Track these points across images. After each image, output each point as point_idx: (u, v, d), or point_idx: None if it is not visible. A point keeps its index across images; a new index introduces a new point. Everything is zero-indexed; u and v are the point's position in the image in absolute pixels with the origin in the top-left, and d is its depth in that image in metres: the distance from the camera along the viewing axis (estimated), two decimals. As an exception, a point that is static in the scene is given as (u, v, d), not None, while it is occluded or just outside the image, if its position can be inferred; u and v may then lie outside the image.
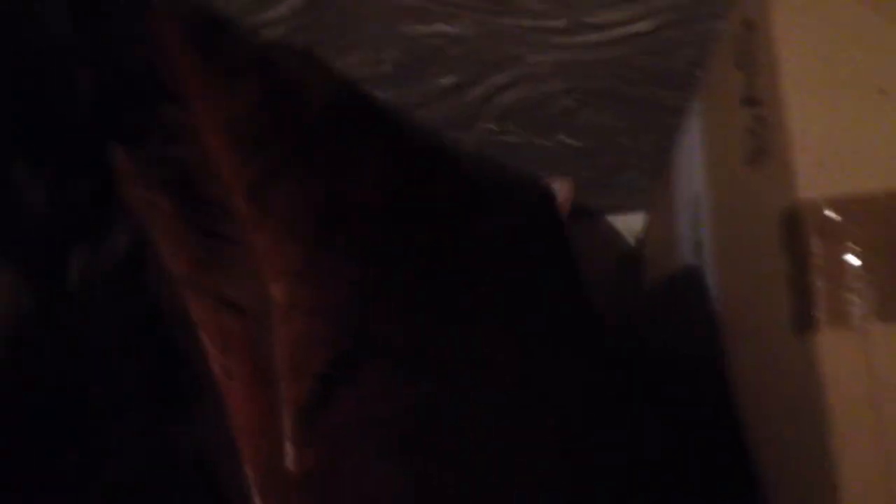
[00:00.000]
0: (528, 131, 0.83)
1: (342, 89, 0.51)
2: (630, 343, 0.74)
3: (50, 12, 0.45)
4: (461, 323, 0.48)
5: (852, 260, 0.45)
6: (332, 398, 0.42)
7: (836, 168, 0.46)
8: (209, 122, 0.43)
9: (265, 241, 0.43)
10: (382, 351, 0.44)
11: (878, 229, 0.45)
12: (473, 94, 0.77)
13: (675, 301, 0.67)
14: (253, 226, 0.43)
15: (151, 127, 0.44)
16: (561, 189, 0.79)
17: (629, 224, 0.93)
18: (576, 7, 0.67)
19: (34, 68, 0.45)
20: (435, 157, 0.53)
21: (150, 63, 0.44)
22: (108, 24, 0.46)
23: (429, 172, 0.51)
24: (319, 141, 0.46)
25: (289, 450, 0.41)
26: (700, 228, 0.61)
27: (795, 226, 0.46)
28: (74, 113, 0.45)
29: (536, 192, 0.65)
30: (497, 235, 0.53)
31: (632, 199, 0.91)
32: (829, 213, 0.45)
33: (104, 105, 0.45)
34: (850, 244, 0.45)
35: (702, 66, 0.67)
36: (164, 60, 0.44)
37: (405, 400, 0.43)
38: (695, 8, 0.67)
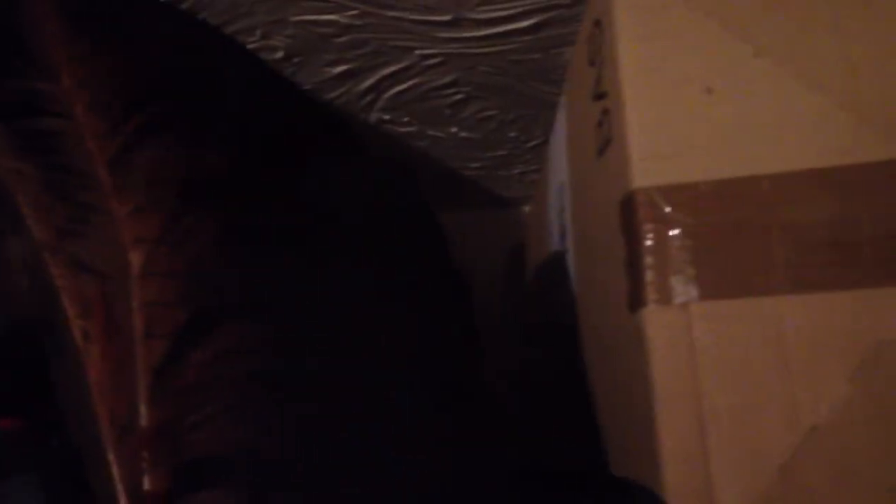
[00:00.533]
0: (420, 122, 0.86)
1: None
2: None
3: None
4: (318, 290, 0.51)
5: (677, 243, 0.49)
6: (183, 358, 0.44)
7: (666, 159, 0.50)
8: (76, 94, 0.46)
9: (124, 210, 0.46)
10: (234, 314, 0.46)
11: (700, 215, 0.49)
12: (365, 83, 0.80)
13: (545, 284, 0.71)
14: (113, 194, 0.46)
15: (21, 98, 0.47)
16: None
17: (519, 217, 0.97)
18: (461, 2, 0.70)
19: None
20: (295, 129, 0.56)
21: (19, 34, 0.47)
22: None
23: (287, 146, 0.54)
24: (179, 113, 0.49)
25: (142, 408, 0.44)
26: (564, 215, 0.65)
27: (630, 212, 0.50)
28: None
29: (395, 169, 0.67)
30: (353, 205, 0.56)
31: (521, 191, 0.95)
32: (658, 200, 0.49)
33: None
34: (676, 229, 0.49)
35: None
36: (34, 32, 0.47)
37: (252, 361, 0.46)
38: (571, 7, 0.71)
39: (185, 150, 0.48)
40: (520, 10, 0.72)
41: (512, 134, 0.87)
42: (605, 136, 0.54)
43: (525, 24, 0.73)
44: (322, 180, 0.55)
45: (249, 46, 0.74)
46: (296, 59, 0.76)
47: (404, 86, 0.81)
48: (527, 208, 0.93)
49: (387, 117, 0.85)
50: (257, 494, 0.44)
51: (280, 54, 0.75)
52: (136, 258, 0.45)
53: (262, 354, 0.46)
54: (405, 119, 0.86)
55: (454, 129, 0.87)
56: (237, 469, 0.44)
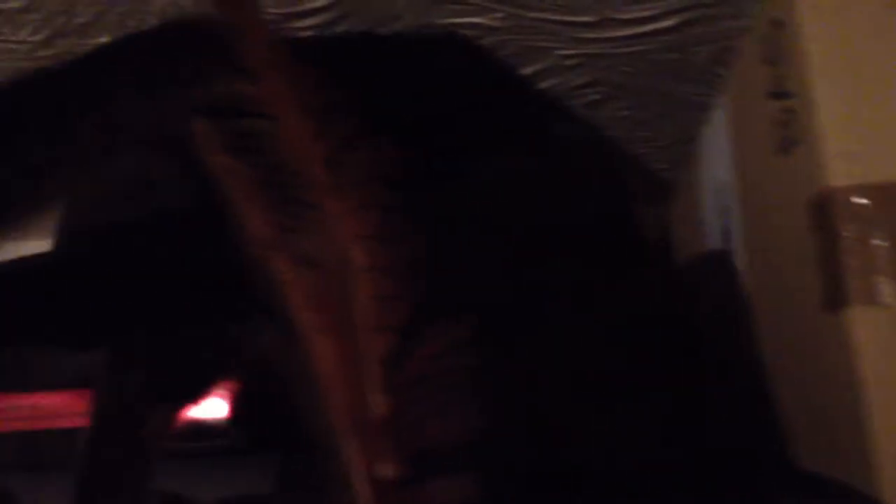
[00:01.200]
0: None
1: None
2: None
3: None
4: (527, 287, 0.52)
5: (878, 242, 0.49)
6: (409, 351, 0.46)
7: (860, 158, 0.50)
8: (280, 97, 0.48)
9: (342, 207, 0.48)
10: (453, 309, 0.48)
11: (901, 214, 0.49)
12: (505, 83, 0.81)
13: (705, 282, 0.71)
14: (330, 192, 0.48)
15: (225, 101, 0.49)
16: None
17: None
18: (606, 3, 0.70)
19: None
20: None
21: (220, 39, 0.49)
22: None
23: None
24: (388, 115, 0.50)
25: (372, 398, 0.46)
26: (727, 215, 0.65)
27: (825, 211, 0.50)
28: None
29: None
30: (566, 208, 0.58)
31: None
32: (856, 199, 0.49)
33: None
34: (876, 229, 0.49)
35: (723, 62, 0.71)
36: (234, 37, 0.48)
37: (473, 354, 0.47)
38: (717, 7, 0.71)
39: (395, 150, 0.49)
40: (663, 9, 0.72)
41: (645, 133, 0.87)
42: (789, 136, 0.54)
43: (668, 23, 0.73)
44: (536, 185, 0.56)
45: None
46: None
47: (542, 86, 0.81)
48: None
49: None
50: (488, 480, 0.45)
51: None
52: (358, 253, 0.47)
53: (482, 348, 0.47)
54: (538, 119, 0.86)
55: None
56: (468, 456, 0.46)
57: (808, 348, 0.54)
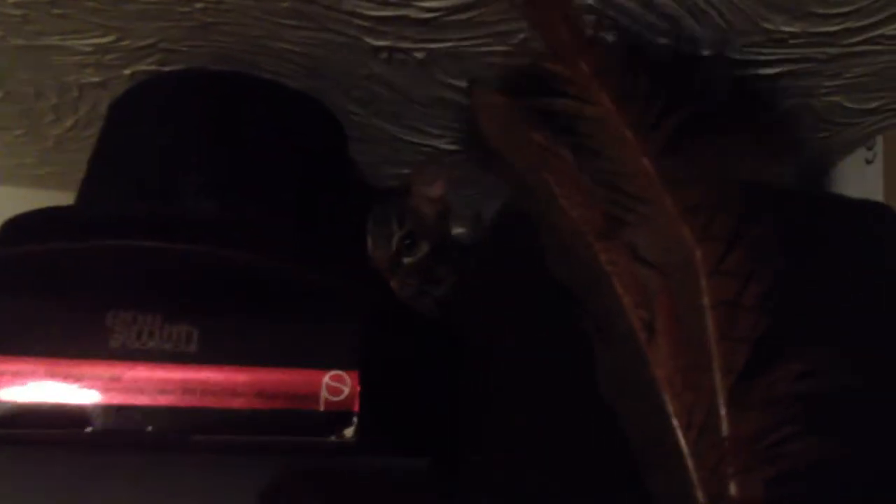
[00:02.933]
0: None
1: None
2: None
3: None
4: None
5: None
6: (771, 366, 0.43)
7: None
8: (599, 81, 0.46)
9: (682, 204, 0.45)
10: (815, 331, 0.45)
11: None
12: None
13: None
14: (666, 187, 0.45)
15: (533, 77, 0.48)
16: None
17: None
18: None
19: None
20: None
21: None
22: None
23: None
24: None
25: (723, 413, 0.43)
26: None
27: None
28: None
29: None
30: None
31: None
32: None
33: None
34: None
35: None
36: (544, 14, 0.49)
37: (836, 379, 0.44)
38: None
39: (740, 153, 0.49)
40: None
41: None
42: None
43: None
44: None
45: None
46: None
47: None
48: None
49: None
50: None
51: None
52: (701, 255, 0.44)
53: (844, 374, 0.44)
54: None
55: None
56: (826, 482, 0.43)
57: None
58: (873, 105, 0.83)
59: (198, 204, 0.68)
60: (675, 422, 0.43)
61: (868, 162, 0.76)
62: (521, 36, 0.74)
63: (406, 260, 0.86)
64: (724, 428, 0.43)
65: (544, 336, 0.49)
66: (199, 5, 0.71)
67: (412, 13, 0.71)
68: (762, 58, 0.76)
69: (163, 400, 0.56)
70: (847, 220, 0.56)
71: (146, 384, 0.56)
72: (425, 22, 0.72)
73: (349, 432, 0.56)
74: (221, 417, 0.56)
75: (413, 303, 0.83)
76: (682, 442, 0.43)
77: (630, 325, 0.44)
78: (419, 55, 0.77)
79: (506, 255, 0.54)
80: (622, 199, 0.46)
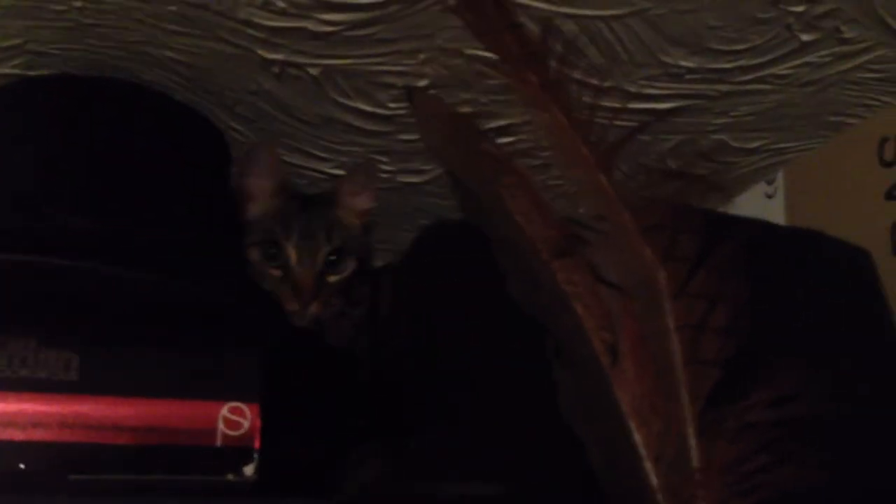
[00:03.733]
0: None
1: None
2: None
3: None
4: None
5: None
6: (744, 393, 0.42)
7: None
8: (550, 90, 0.44)
9: (641, 223, 0.43)
10: (780, 354, 0.43)
11: None
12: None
13: None
14: (623, 205, 0.43)
15: None
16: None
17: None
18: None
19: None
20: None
21: None
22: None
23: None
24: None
25: (693, 442, 0.41)
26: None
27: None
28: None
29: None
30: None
31: None
32: None
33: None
34: None
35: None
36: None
37: (812, 405, 0.42)
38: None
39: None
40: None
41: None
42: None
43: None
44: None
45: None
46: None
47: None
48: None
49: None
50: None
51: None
52: (665, 275, 0.43)
53: (820, 399, 0.43)
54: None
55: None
56: None
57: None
58: (754, 145, 0.85)
59: (72, 218, 0.62)
60: (642, 452, 0.41)
61: (769, 196, 0.78)
62: (422, 56, 0.72)
63: (331, 278, 0.78)
64: (695, 458, 0.41)
65: (490, 354, 0.47)
66: (77, 3, 0.65)
67: (311, 25, 0.68)
68: (657, 92, 0.77)
69: (37, 435, 0.50)
70: (791, 246, 0.56)
71: (18, 417, 0.49)
72: (324, 36, 0.69)
73: (249, 470, 0.52)
74: (105, 455, 0.50)
75: (332, 325, 0.76)
76: (651, 475, 0.41)
77: (592, 348, 0.42)
78: (313, 71, 0.74)
79: (439, 273, 0.51)
80: (579, 216, 0.45)
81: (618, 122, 0.48)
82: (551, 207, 0.45)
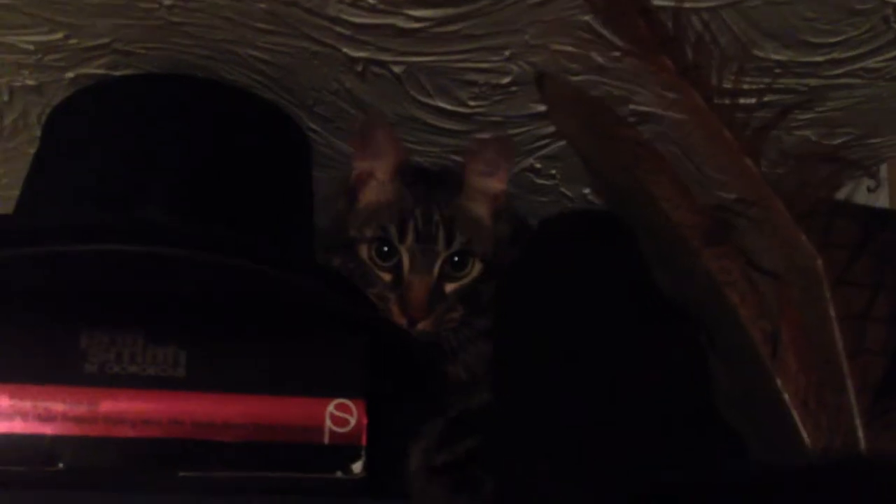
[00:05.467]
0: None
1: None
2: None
3: None
4: None
5: None
6: None
7: None
8: (685, 79, 0.43)
9: (791, 208, 0.42)
10: None
11: None
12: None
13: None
14: (777, 191, 0.42)
15: None
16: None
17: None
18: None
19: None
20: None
21: None
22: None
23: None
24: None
25: (862, 434, 0.40)
26: None
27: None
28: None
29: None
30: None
31: None
32: None
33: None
34: None
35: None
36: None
37: None
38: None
39: None
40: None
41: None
42: None
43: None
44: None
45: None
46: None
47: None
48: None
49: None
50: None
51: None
52: (822, 263, 0.42)
53: None
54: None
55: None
56: None
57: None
58: (839, 141, 0.84)
59: (163, 217, 0.62)
60: (809, 445, 0.40)
61: (870, 190, 0.76)
62: (508, 52, 0.71)
63: (450, 286, 0.68)
64: (864, 449, 0.40)
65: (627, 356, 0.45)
66: (167, 2, 0.65)
67: (399, 22, 0.67)
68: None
69: (146, 432, 0.49)
70: None
71: (127, 414, 0.49)
72: (411, 32, 0.68)
73: (357, 467, 0.51)
74: (213, 452, 0.50)
75: (450, 338, 0.67)
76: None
77: (750, 338, 0.41)
78: (397, 69, 0.73)
79: (565, 269, 0.49)
80: (727, 203, 0.43)
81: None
82: (696, 194, 0.43)
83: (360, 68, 0.73)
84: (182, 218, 0.61)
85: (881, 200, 0.76)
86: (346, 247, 0.72)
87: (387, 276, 0.69)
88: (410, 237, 0.69)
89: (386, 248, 0.70)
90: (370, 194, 0.74)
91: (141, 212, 0.60)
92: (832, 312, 0.42)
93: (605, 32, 0.48)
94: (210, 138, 0.67)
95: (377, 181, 0.74)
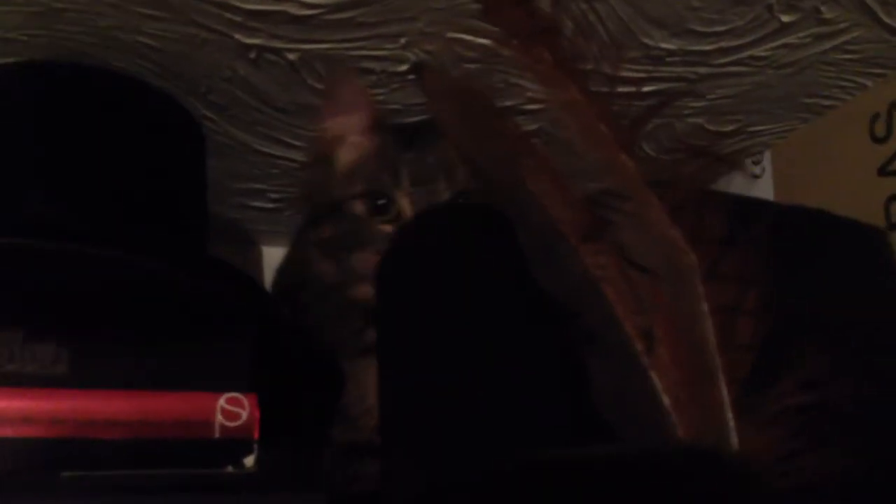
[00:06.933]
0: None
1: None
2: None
3: None
4: None
5: None
6: (773, 376, 0.40)
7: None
8: (561, 71, 0.42)
9: (660, 202, 0.41)
10: (815, 340, 0.41)
11: None
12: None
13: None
14: (647, 185, 0.42)
15: None
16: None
17: None
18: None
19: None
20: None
21: None
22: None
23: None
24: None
25: (731, 427, 0.39)
26: None
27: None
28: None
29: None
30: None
31: None
32: None
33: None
34: None
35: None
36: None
37: (832, 391, 0.41)
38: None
39: None
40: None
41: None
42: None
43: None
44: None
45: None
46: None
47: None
48: None
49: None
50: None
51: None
52: (694, 258, 0.41)
53: (847, 382, 0.41)
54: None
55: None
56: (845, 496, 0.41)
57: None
58: (730, 128, 0.86)
59: (46, 208, 0.60)
60: (681, 437, 0.40)
61: (755, 176, 0.78)
62: (403, 40, 0.71)
63: None
64: (734, 444, 0.40)
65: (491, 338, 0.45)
66: (49, -13, 0.63)
67: (292, 9, 0.66)
68: (636, 75, 0.77)
69: (27, 431, 0.47)
70: (806, 227, 0.56)
71: (6, 413, 0.47)
72: (305, 20, 0.67)
73: (249, 461, 0.50)
74: (99, 450, 0.48)
75: None
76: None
77: (626, 334, 0.41)
78: (292, 56, 0.72)
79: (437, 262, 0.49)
80: (602, 197, 0.43)
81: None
82: (574, 189, 0.43)
83: (253, 55, 0.72)
84: (64, 211, 0.59)
85: (764, 186, 0.78)
86: (333, 211, 0.68)
87: (388, 228, 0.66)
88: (406, 181, 0.66)
89: (383, 201, 0.66)
90: (348, 154, 0.71)
91: (18, 205, 0.58)
92: (705, 307, 0.42)
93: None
94: (94, 127, 0.65)
95: (353, 140, 0.71)
